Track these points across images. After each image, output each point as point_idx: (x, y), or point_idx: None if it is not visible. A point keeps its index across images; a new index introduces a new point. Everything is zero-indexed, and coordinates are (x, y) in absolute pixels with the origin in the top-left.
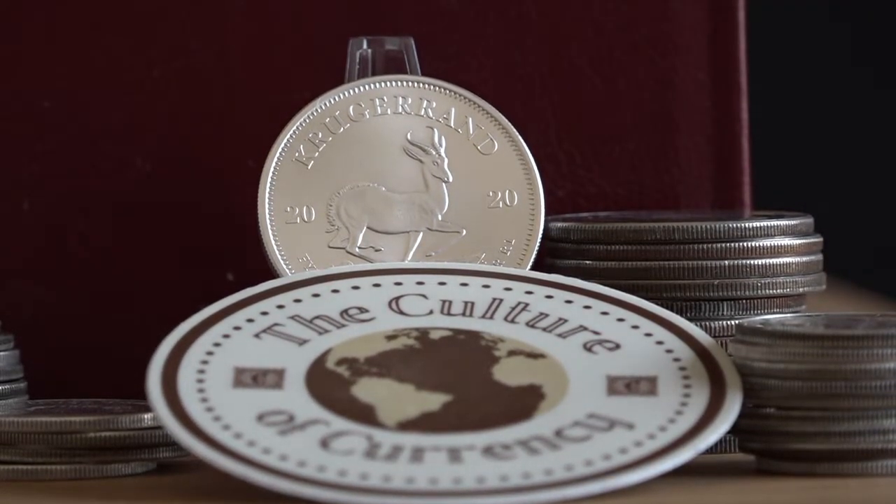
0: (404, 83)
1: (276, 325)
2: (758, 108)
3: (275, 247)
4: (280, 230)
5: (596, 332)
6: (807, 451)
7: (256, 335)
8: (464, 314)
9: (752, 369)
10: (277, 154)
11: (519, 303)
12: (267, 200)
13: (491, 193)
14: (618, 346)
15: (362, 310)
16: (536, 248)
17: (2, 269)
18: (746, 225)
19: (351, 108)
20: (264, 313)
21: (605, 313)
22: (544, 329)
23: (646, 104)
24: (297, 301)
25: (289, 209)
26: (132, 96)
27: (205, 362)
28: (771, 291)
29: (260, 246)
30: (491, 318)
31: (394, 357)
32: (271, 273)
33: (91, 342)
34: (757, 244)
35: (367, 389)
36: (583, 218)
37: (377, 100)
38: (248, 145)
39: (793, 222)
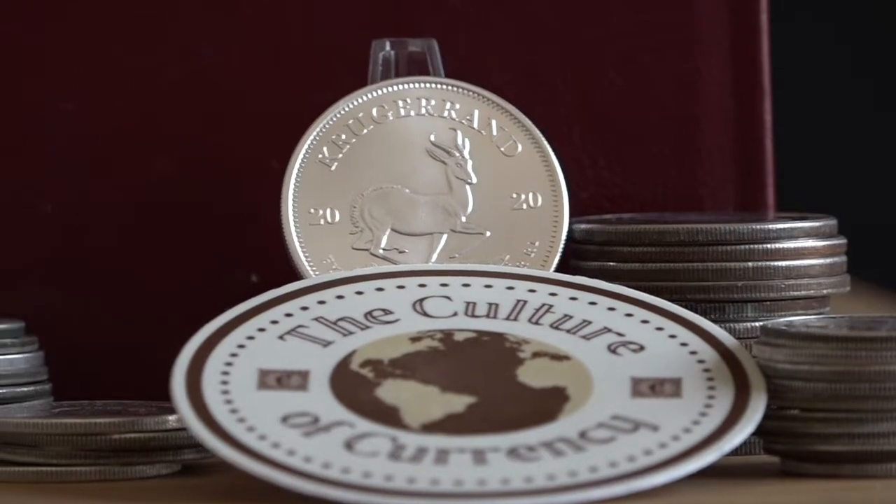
0: (427, 85)
1: (300, 326)
2: (781, 110)
3: (299, 248)
4: (304, 232)
5: (620, 334)
6: (831, 453)
7: (281, 337)
8: (488, 316)
9: (776, 371)
10: (301, 156)
11: (543, 304)
12: (291, 202)
13: (515, 195)
14: (642, 348)
15: (386, 311)
16: (560, 249)
17: (26, 271)
18: (770, 227)
19: (374, 109)
20: (288, 315)
21: (629, 315)
22: (569, 331)
23: (669, 105)
24: (321, 303)
25: (312, 211)
26: (154, 98)
27: (229, 364)
28: (795, 293)
29: (284, 247)
30: (515, 319)
31: (418, 359)
32: (295, 275)
33: (115, 344)
34: (781, 246)
35: (392, 391)
36: (606, 220)
37: (400, 101)
38: (271, 147)
39: (816, 224)
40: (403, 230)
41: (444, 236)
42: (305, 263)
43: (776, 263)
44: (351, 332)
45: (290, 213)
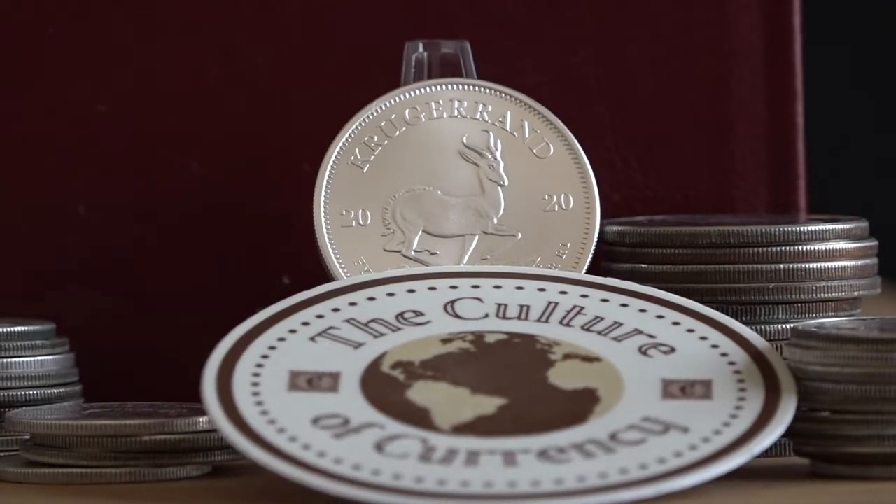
0: (460, 87)
1: (331, 328)
2: (813, 111)
3: (330, 250)
4: (336, 233)
5: (651, 336)
6: (861, 455)
7: (312, 338)
8: (519, 318)
9: (806, 373)
10: (333, 157)
11: (574, 306)
12: (323, 204)
13: (546, 197)
14: (673, 350)
15: (418, 313)
16: (592, 251)
17: (57, 273)
18: (801, 229)
19: (407, 111)
20: (320, 317)
21: (660, 317)
22: (599, 333)
23: (701, 108)
24: (353, 304)
25: (344, 213)
26: (188, 100)
27: (260, 366)
28: (826, 295)
29: (315, 249)
30: (546, 321)
31: (449, 360)
32: (327, 276)
33: (146, 345)
34: (812, 248)
35: (423, 393)
36: (638, 221)
37: (433, 103)
38: (303, 149)
39: (848, 226)
40: (435, 232)
41: (476, 238)
42: (337, 265)
43: (807, 265)
44: (382, 334)
45: (322, 214)
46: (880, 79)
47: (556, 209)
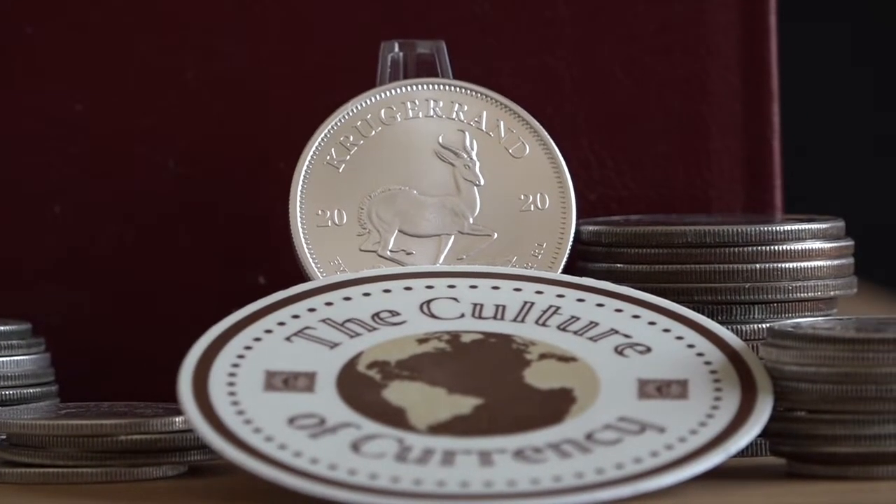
0: (436, 86)
1: (307, 328)
2: (789, 111)
3: (306, 250)
4: (311, 233)
5: (627, 336)
6: (837, 455)
7: (287, 338)
8: (495, 317)
9: (782, 373)
10: (309, 157)
11: (550, 306)
12: (298, 203)
13: (522, 197)
14: (649, 350)
15: (393, 313)
16: (568, 251)
17: (33, 273)
18: (777, 228)
19: (382, 111)
20: (295, 317)
21: (636, 316)
22: (575, 332)
23: (677, 108)
24: (329, 304)
25: (320, 212)
26: (164, 99)
27: (236, 365)
28: (802, 295)
29: (291, 249)
30: (522, 321)
31: (425, 360)
32: (302, 276)
33: (122, 345)
34: (788, 248)
35: (399, 393)
36: (614, 221)
37: (409, 103)
38: (279, 148)
39: (824, 226)
40: (411, 232)
41: (452, 238)
42: (313, 265)
43: (783, 265)
44: (358, 334)
45: (298, 214)
46: (860, 79)
47: (532, 209)
